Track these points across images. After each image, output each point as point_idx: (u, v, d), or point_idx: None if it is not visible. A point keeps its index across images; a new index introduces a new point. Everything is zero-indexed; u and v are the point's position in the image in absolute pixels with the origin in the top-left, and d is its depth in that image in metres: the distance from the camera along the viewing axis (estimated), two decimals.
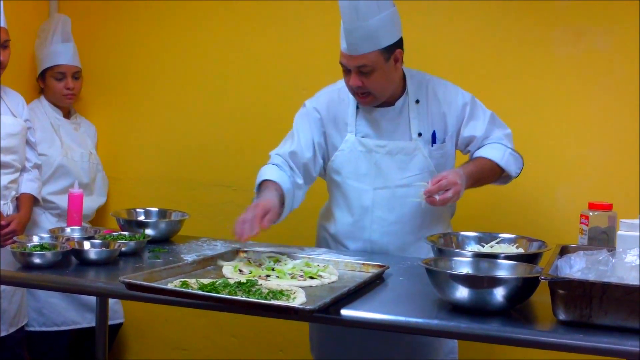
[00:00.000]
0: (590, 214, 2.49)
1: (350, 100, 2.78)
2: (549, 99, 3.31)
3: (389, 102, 2.75)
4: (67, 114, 3.83)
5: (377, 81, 2.64)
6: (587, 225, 2.48)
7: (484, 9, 3.37)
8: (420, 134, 2.74)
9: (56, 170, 3.62)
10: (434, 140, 2.75)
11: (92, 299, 3.29)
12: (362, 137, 2.77)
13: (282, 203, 2.63)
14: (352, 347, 2.82)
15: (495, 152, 2.75)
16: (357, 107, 2.78)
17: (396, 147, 2.75)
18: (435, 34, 3.47)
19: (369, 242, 2.79)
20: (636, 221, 2.08)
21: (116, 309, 3.73)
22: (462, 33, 3.42)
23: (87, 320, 3.58)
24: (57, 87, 3.71)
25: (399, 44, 2.67)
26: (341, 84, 2.77)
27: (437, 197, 2.49)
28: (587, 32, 3.24)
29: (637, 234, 2.04)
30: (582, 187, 3.25)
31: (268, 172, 2.72)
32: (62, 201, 3.45)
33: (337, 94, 2.81)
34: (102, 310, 2.97)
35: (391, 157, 2.75)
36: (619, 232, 2.08)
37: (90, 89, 3.97)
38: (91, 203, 3.76)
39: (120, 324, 3.82)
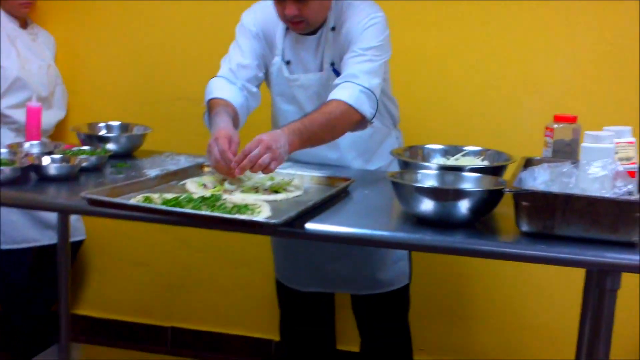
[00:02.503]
0: (555, 126, 2.49)
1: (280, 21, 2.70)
2: (514, 13, 3.27)
3: (312, 31, 2.68)
4: (24, 24, 3.69)
5: (314, 8, 2.56)
6: (552, 137, 2.49)
7: None
8: (333, 64, 2.67)
9: (13, 83, 3.51)
10: (336, 73, 2.66)
11: (53, 216, 3.26)
12: (286, 63, 2.72)
13: (236, 124, 2.56)
14: (305, 262, 2.87)
15: (344, 91, 2.50)
16: (287, 29, 2.71)
17: (307, 80, 2.70)
18: None
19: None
20: (600, 133, 2.08)
21: (77, 226, 3.70)
22: None
23: (48, 238, 3.54)
24: None
25: None
26: None
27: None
28: None
29: (601, 145, 2.05)
30: (548, 99, 3.25)
31: (219, 89, 2.66)
32: (20, 115, 3.38)
33: (270, 11, 2.69)
34: (63, 227, 2.95)
35: (304, 90, 2.71)
36: (583, 144, 2.08)
37: None
38: (50, 117, 3.67)
39: (82, 241, 3.79)
